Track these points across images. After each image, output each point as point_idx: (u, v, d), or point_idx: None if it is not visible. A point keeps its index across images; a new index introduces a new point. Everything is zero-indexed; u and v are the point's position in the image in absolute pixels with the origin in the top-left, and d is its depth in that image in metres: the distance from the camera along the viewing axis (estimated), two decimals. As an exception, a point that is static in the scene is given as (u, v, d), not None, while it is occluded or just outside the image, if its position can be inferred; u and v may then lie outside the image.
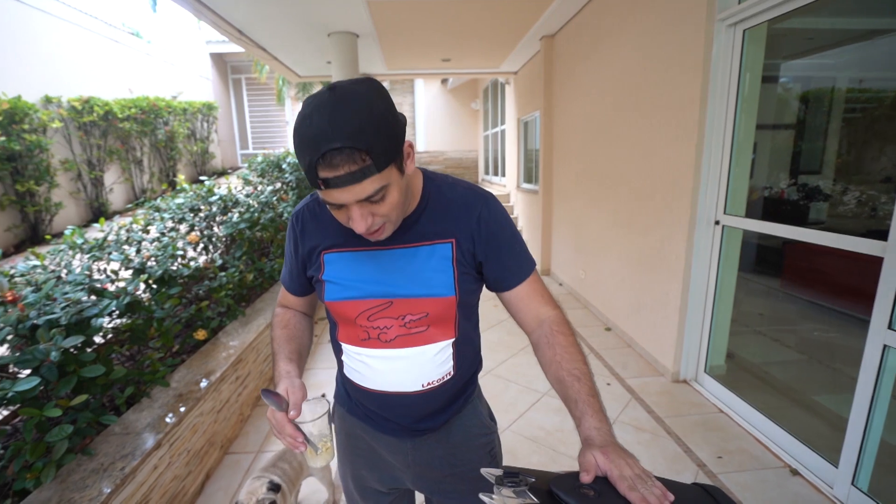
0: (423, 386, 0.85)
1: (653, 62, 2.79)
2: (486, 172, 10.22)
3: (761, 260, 3.68)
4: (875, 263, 1.59)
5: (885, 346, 1.57)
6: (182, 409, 1.79)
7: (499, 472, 0.60)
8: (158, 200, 3.09)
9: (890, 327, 1.54)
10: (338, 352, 0.92)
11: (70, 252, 2.11)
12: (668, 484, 0.62)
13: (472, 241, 0.82)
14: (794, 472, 1.91)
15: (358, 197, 0.65)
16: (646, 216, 2.96)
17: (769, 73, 2.45)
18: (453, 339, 0.84)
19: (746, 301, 3.23)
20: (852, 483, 1.71)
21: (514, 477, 0.59)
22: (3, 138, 4.90)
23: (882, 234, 1.57)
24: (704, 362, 2.62)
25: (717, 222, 2.42)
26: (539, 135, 5.23)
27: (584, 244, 4.14)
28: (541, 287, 0.86)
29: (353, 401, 0.94)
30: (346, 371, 0.91)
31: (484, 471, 0.60)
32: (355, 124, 0.61)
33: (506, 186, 7.83)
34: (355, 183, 0.63)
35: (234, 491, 1.91)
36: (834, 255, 3.16)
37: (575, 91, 4.18)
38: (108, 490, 1.34)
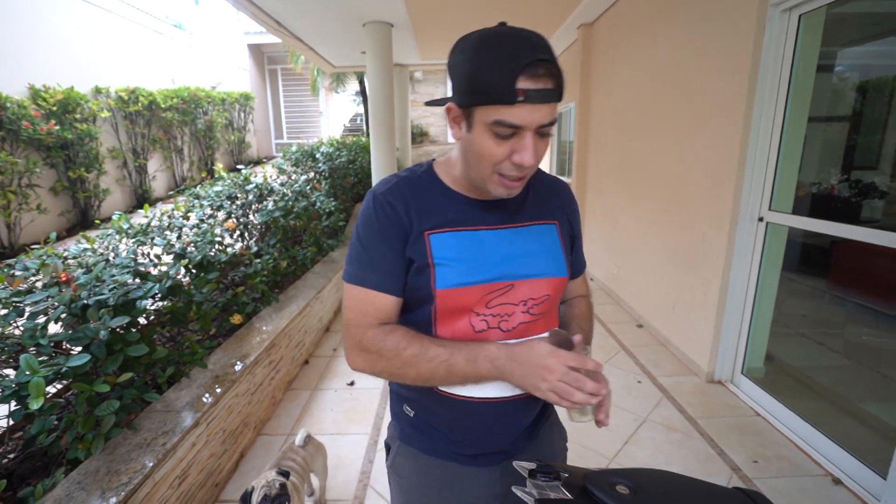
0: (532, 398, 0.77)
1: (697, 51, 2.66)
2: (517, 164, 10.07)
3: (806, 259, 3.50)
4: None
5: (945, 355, 1.46)
6: (218, 390, 1.86)
7: (532, 465, 0.60)
8: (198, 188, 3.20)
9: (952, 335, 1.44)
10: None
11: (117, 236, 2.22)
12: (707, 487, 0.60)
13: (569, 223, 0.84)
14: (837, 482, 1.82)
15: (545, 119, 0.61)
16: (684, 211, 2.86)
17: (825, 61, 2.30)
18: (557, 328, 0.79)
19: (789, 302, 3.08)
20: (902, 498, 1.61)
21: (547, 471, 0.59)
22: (57, 127, 5.19)
23: (948, 235, 1.45)
24: (742, 363, 2.52)
25: (760, 219, 2.31)
26: (574, 126, 5.11)
27: (618, 238, 4.04)
28: (586, 280, 0.97)
29: (430, 435, 0.80)
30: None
31: (516, 464, 0.60)
32: (548, 46, 0.60)
33: (536, 178, 7.71)
34: (551, 102, 0.61)
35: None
36: (887, 256, 2.97)
37: (612, 82, 4.05)
38: (151, 464, 1.42)
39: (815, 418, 2.08)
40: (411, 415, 0.82)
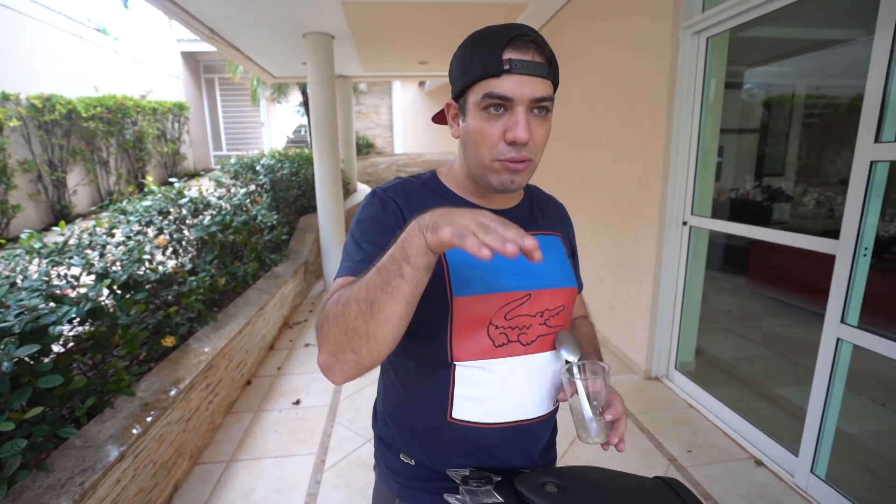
0: (553, 405, 0.74)
1: (623, 68, 2.85)
2: (464, 174, 10.25)
3: (728, 259, 3.81)
4: (830, 261, 1.66)
5: (838, 340, 1.64)
6: (148, 419, 1.73)
7: (465, 471, 0.60)
8: (125, 203, 2.99)
9: (842, 321, 1.62)
10: (441, 388, 0.68)
11: (27, 257, 2.02)
12: (631, 479, 0.64)
13: (568, 239, 0.84)
14: (759, 463, 1.98)
15: (535, 93, 0.60)
16: (619, 217, 3.03)
17: (732, 79, 2.55)
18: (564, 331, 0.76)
19: (714, 299, 3.33)
20: (811, 471, 1.78)
21: (479, 477, 0.60)
22: (-45, 138, 4.65)
23: (837, 234, 1.64)
24: (675, 359, 2.69)
25: (684, 223, 2.50)
26: (515, 137, 5.28)
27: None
28: (584, 300, 0.95)
29: (440, 484, 0.68)
30: (455, 414, 0.67)
31: (450, 471, 0.61)
32: (538, 33, 0.62)
33: (483, 188, 7.87)
34: (539, 75, 0.60)
35: (204, 502, 1.85)
36: (795, 254, 3.30)
37: (549, 94, 4.24)
38: (67, 505, 1.29)
39: (738, 406, 2.25)
40: (412, 463, 0.71)
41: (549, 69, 0.61)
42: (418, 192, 0.71)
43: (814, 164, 3.46)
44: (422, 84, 10.84)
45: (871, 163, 1.49)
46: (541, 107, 0.62)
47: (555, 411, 0.77)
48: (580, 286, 0.85)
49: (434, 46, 5.28)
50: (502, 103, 0.60)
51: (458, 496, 0.60)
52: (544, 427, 0.73)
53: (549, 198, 0.88)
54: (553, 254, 0.76)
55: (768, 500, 1.79)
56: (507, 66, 0.58)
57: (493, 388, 0.66)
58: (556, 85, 0.64)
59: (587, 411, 0.62)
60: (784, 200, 3.58)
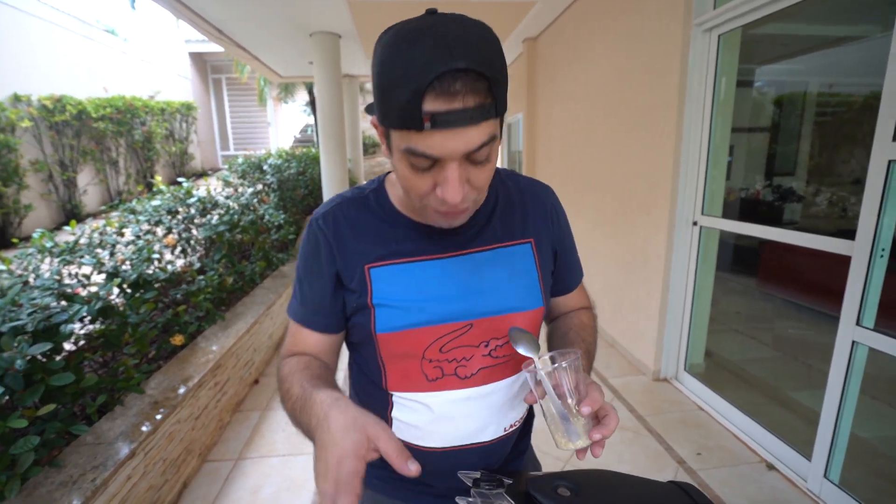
0: (504, 430, 0.69)
1: (632, 66, 2.83)
2: (471, 174, 10.24)
3: (739, 259, 3.78)
4: (844, 262, 1.63)
5: (853, 342, 1.62)
6: (158, 417, 1.74)
7: (476, 474, 0.60)
8: (134, 202, 3.01)
9: (858, 324, 1.59)
10: (381, 406, 0.68)
11: (38, 256, 2.04)
12: (644, 483, 0.63)
13: (550, 234, 0.72)
14: (771, 467, 1.96)
15: (468, 146, 0.48)
16: (626, 218, 3.00)
17: (744, 77, 2.51)
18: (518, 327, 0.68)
19: (724, 300, 3.30)
20: (824, 476, 1.75)
21: (491, 479, 0.59)
22: (-32, 138, 4.72)
23: (851, 234, 1.62)
24: (684, 361, 2.66)
25: (694, 223, 2.47)
26: (522, 137, 5.26)
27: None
28: (584, 289, 0.83)
29: (396, 477, 0.71)
30: (394, 427, 0.68)
31: (461, 474, 0.60)
32: (478, 43, 0.46)
33: (490, 188, 7.85)
34: (472, 124, 0.47)
35: (213, 499, 1.86)
36: (807, 255, 3.26)
37: (557, 93, 4.22)
38: (78, 503, 1.29)
39: (749, 408, 2.22)
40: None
41: (487, 109, 0.47)
42: (354, 216, 0.64)
43: (826, 163, 3.41)
44: (428, 83, 10.84)
45: (889, 162, 1.46)
46: (477, 158, 0.51)
47: (519, 429, 0.73)
48: (575, 281, 0.79)
49: (441, 46, 5.26)
50: (430, 161, 0.50)
51: (469, 499, 0.59)
52: (499, 447, 0.69)
53: (529, 187, 0.73)
54: (512, 269, 0.66)
55: (781, 505, 1.76)
56: (427, 124, 0.46)
57: (428, 419, 0.65)
58: (502, 112, 0.50)
59: (559, 410, 0.54)
60: (795, 200, 3.54)
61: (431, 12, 0.49)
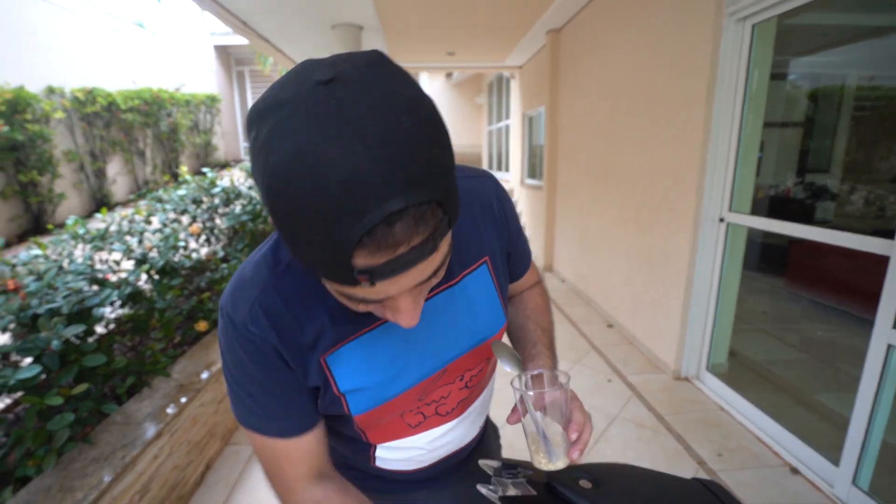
0: (479, 429, 0.76)
1: (659, 58, 2.76)
2: (490, 167, 10.19)
3: (766, 258, 3.67)
4: (881, 263, 1.57)
5: (889, 346, 1.56)
6: (183, 400, 1.79)
7: (497, 464, 0.60)
8: (160, 192, 3.09)
9: (895, 327, 1.53)
10: (363, 453, 0.68)
11: (72, 242, 2.11)
12: (667, 478, 0.62)
13: (502, 238, 0.65)
14: (795, 471, 1.91)
15: (419, 279, 0.40)
16: (649, 213, 2.94)
17: (778, 69, 2.42)
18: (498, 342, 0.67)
19: (750, 299, 3.21)
20: (853, 482, 1.70)
21: (512, 469, 0.59)
22: (6, 128, 4.90)
23: (889, 234, 1.55)
24: (706, 360, 2.61)
25: (721, 220, 2.41)
26: (544, 130, 5.20)
27: (588, 241, 4.12)
28: (534, 266, 0.79)
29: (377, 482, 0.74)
30: (378, 465, 0.69)
31: (482, 462, 0.60)
32: (415, 144, 0.34)
33: (509, 182, 7.80)
34: (423, 259, 0.37)
35: (234, 481, 1.91)
36: (839, 255, 3.14)
37: (580, 86, 4.14)
38: (109, 478, 1.35)
39: (773, 410, 2.17)
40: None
41: (438, 233, 0.37)
42: (284, 301, 0.51)
43: (864, 160, 3.28)
44: (449, 75, 10.78)
45: (933, 158, 1.40)
46: (435, 275, 0.43)
47: (485, 423, 0.80)
48: (525, 266, 0.74)
49: (462, 37, 5.23)
50: (370, 303, 0.43)
51: (490, 486, 0.59)
52: (474, 442, 0.76)
53: (471, 190, 0.60)
54: (473, 300, 0.61)
55: (805, 509, 1.72)
56: (365, 283, 0.36)
57: (415, 454, 0.68)
58: (455, 220, 0.40)
59: (541, 431, 0.53)
60: (829, 198, 3.41)
61: (330, 84, 0.33)
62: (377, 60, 0.37)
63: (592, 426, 0.58)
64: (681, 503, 0.57)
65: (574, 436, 0.54)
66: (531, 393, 0.56)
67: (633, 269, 3.22)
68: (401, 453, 0.67)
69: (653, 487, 0.59)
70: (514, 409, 0.58)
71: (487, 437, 0.85)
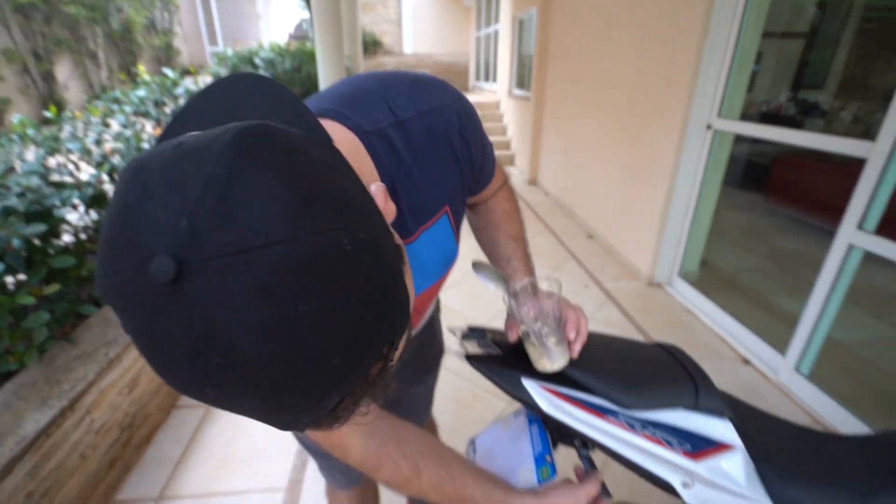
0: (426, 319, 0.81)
1: (662, -59, 2.49)
2: (478, 78, 9.65)
3: (749, 176, 3.69)
4: (855, 175, 1.57)
5: (849, 246, 1.61)
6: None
7: (463, 327, 0.61)
8: (117, 92, 2.85)
9: (859, 227, 1.57)
10: None
11: (21, 143, 1.97)
12: (633, 343, 0.64)
13: (464, 168, 0.58)
14: (746, 362, 2.08)
15: None
16: (638, 121, 2.86)
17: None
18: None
19: (729, 214, 3.28)
20: (795, 369, 1.86)
21: (479, 331, 0.60)
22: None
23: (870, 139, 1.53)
24: (679, 267, 2.71)
25: (708, 126, 2.35)
26: (534, 33, 4.84)
27: (574, 153, 4.04)
28: (499, 168, 0.72)
29: None
30: None
31: (448, 327, 0.61)
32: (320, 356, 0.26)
33: (497, 93, 7.44)
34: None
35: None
36: (818, 171, 3.17)
37: (574, -20, 3.78)
38: (94, 373, 1.38)
39: (735, 311, 2.30)
40: None
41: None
42: None
43: (861, 75, 3.17)
44: (432, -29, 9.75)
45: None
46: None
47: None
48: (490, 174, 0.67)
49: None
50: None
51: (463, 340, 0.60)
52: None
53: (425, 132, 0.53)
54: (432, 251, 0.58)
55: (749, 394, 1.89)
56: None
57: None
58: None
59: (539, 336, 0.54)
60: (818, 116, 3.34)
61: (168, 281, 0.23)
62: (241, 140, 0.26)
63: (587, 318, 0.58)
64: (645, 362, 0.60)
65: (572, 335, 0.55)
66: (525, 309, 0.55)
67: (616, 179, 3.20)
68: None
69: (618, 350, 0.61)
70: (512, 325, 0.58)
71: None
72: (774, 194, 3.69)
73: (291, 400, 0.27)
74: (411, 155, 0.52)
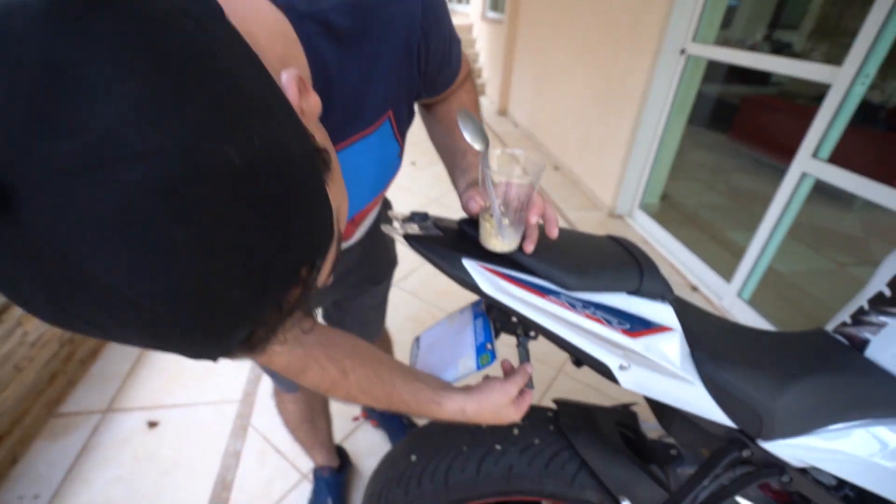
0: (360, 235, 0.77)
1: None
2: (450, -1, 8.97)
3: (715, 116, 3.70)
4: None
5: (802, 175, 1.65)
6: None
7: (406, 213, 0.57)
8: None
9: (814, 155, 1.60)
10: None
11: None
12: (585, 235, 0.62)
13: (420, 69, 0.51)
14: (694, 289, 2.18)
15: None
16: (612, 44, 2.74)
17: None
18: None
19: (693, 152, 3.30)
20: (738, 295, 1.97)
21: (421, 215, 0.56)
22: None
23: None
24: (640, 199, 2.74)
25: (682, 51, 2.28)
26: (511, -56, 4.45)
27: (545, 81, 3.90)
28: (463, 58, 0.63)
29: None
30: None
31: (391, 213, 0.57)
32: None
33: (469, 16, 6.97)
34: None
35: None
36: (783, 111, 3.19)
37: None
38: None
39: (689, 243, 2.38)
40: None
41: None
42: None
43: (836, 14, 3.12)
44: None
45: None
46: None
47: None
48: (454, 74, 0.59)
49: None
50: None
51: (391, 226, 0.55)
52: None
53: (385, 23, 0.45)
54: (370, 161, 0.53)
55: (694, 317, 2.00)
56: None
57: None
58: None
59: (498, 216, 0.48)
60: (791, 56, 3.31)
61: None
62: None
63: (555, 212, 0.53)
64: (592, 249, 0.59)
65: (534, 219, 0.49)
66: (496, 179, 0.48)
67: (586, 107, 3.13)
68: None
69: (568, 238, 0.59)
70: (475, 195, 0.52)
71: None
72: (739, 134, 3.73)
73: (189, 336, 0.22)
74: (356, 48, 0.43)
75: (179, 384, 1.51)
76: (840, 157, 1.57)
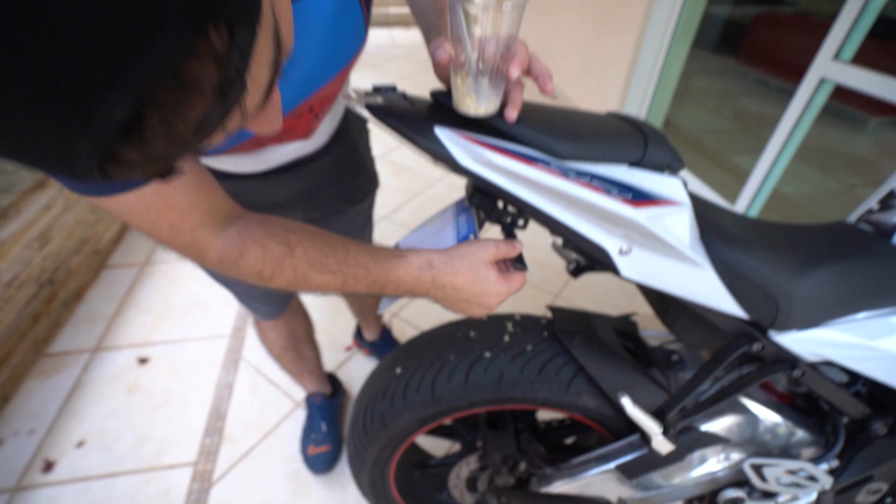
0: (326, 137, 0.71)
1: None
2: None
3: (724, 39, 3.44)
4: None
5: (820, 81, 1.52)
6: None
7: (369, 87, 0.48)
8: None
9: (835, 57, 1.47)
10: None
11: None
12: (584, 113, 0.53)
13: None
14: (696, 214, 2.11)
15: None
16: (615, -49, 2.49)
17: None
18: None
19: (698, 76, 3.09)
20: (743, 218, 1.90)
21: (389, 88, 0.47)
22: None
23: None
24: (642, 125, 2.60)
25: (692, -47, 2.06)
26: None
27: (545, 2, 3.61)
28: None
29: None
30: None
31: (352, 88, 0.48)
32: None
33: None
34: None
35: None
36: (799, 29, 2.95)
37: None
38: (-14, 220, 1.21)
39: (693, 167, 2.28)
40: None
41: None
42: None
43: None
44: None
45: None
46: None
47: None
48: None
49: None
50: None
51: (352, 98, 0.47)
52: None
53: None
54: (328, 29, 0.47)
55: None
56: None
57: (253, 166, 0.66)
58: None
59: (473, 67, 0.38)
60: None
61: None
62: None
63: (549, 69, 0.44)
64: (589, 120, 0.50)
65: (515, 73, 0.40)
66: (472, 27, 0.36)
67: (587, 28, 2.90)
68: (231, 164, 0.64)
69: (563, 111, 0.51)
70: (443, 42, 0.41)
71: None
72: (749, 56, 3.50)
73: (42, 101, 0.16)
74: None
75: (168, 322, 1.48)
76: (864, 61, 1.43)
